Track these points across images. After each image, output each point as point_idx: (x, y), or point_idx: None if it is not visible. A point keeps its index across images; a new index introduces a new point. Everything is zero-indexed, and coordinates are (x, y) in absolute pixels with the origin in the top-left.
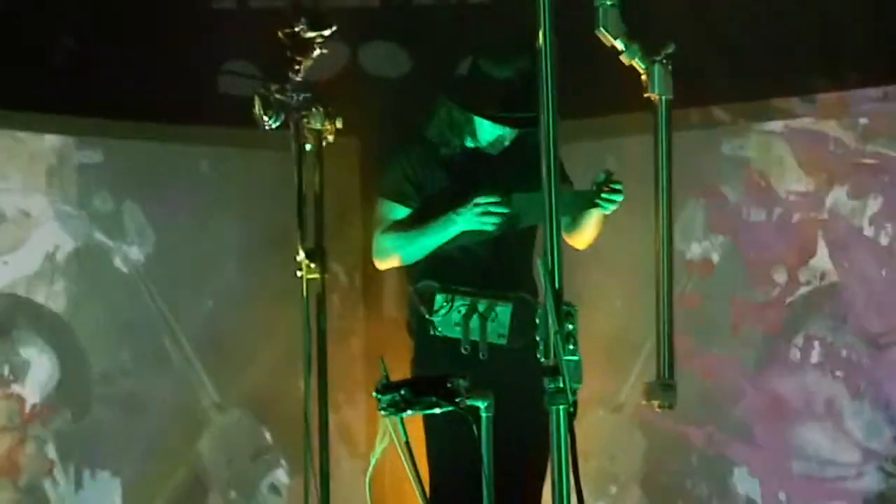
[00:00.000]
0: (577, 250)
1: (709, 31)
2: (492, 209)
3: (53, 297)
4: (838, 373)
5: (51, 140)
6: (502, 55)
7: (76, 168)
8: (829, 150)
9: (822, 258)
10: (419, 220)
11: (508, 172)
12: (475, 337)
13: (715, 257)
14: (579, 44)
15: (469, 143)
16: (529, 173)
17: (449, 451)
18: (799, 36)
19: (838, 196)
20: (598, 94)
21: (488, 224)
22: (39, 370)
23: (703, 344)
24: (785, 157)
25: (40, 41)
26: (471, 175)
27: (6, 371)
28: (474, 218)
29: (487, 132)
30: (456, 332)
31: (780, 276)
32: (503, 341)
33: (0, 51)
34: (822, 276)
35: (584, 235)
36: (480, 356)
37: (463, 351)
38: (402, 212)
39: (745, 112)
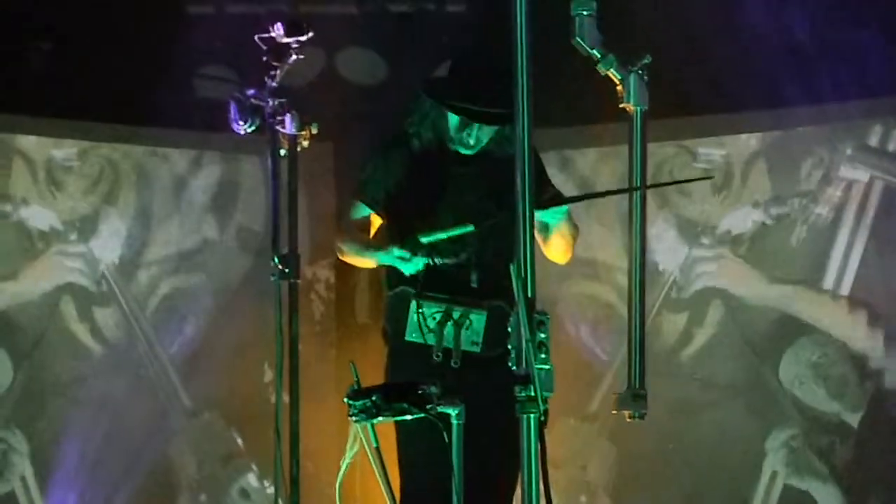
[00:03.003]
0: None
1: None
2: (406, 258)
3: (24, 298)
4: None
5: (27, 141)
6: (478, 50)
7: (51, 169)
8: None
9: None
10: (366, 239)
11: (480, 175)
12: (449, 344)
13: None
14: (556, 53)
15: (443, 139)
16: (502, 177)
17: (420, 457)
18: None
19: None
20: (575, 104)
21: (407, 268)
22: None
23: None
24: None
25: (19, 45)
26: (442, 173)
27: None
28: (394, 260)
29: (457, 127)
30: (430, 339)
31: None
32: (477, 349)
33: None
34: None
35: (556, 247)
36: (452, 363)
37: (434, 358)
38: (363, 210)
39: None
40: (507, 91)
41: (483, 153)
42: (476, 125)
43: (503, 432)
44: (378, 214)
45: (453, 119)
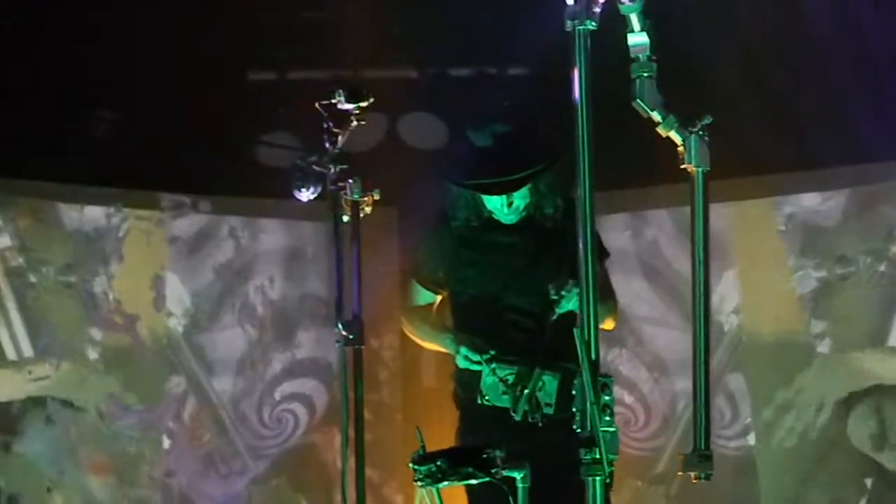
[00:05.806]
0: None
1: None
2: (473, 361)
3: (92, 372)
4: None
5: (91, 211)
6: (478, 123)
7: (116, 239)
8: None
9: None
10: (435, 324)
11: (527, 242)
12: (524, 406)
13: None
14: (616, 114)
15: (483, 213)
16: (544, 242)
17: None
18: None
19: None
20: (634, 166)
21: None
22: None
23: None
24: None
25: (82, 116)
26: (489, 246)
27: None
28: (462, 361)
29: (489, 201)
30: (503, 402)
31: None
32: (550, 411)
33: (43, 125)
34: None
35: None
36: (530, 419)
37: (514, 416)
38: (426, 297)
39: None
40: (516, 153)
41: (528, 218)
42: (505, 197)
43: (576, 495)
44: (438, 294)
45: (479, 195)
